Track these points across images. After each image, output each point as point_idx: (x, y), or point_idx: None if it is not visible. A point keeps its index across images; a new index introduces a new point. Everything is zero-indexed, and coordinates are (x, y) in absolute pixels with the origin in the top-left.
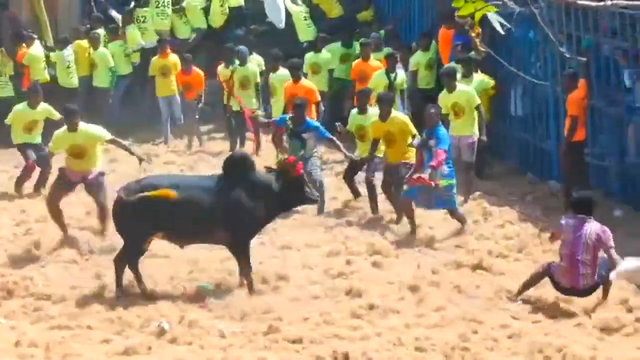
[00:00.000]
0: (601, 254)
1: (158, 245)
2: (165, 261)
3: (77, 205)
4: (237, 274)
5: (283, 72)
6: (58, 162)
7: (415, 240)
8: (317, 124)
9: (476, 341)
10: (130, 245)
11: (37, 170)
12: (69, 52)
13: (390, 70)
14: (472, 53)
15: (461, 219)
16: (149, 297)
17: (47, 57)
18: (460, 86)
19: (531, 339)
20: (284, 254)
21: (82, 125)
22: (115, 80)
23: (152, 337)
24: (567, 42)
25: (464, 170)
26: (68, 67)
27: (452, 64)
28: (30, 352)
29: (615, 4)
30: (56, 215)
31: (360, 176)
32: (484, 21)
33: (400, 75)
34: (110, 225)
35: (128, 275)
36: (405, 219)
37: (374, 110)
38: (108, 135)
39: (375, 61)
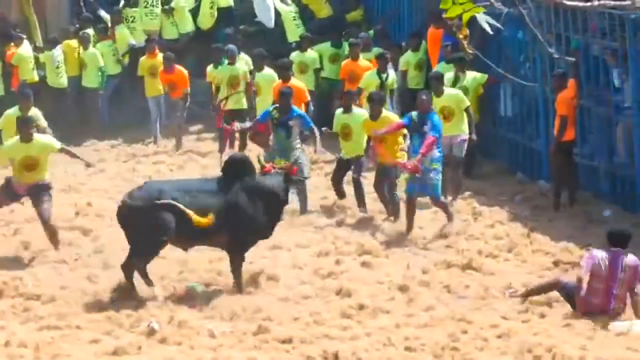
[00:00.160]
0: None
1: None
2: (155, 261)
3: (66, 206)
4: (226, 275)
5: (268, 71)
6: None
7: (406, 239)
8: (302, 112)
9: (466, 341)
10: (142, 251)
11: None
12: (58, 52)
13: (381, 70)
14: (460, 54)
15: (445, 209)
16: (161, 300)
17: (37, 57)
18: (448, 90)
19: (521, 338)
20: (274, 254)
21: (36, 136)
22: (104, 80)
23: (142, 337)
24: (556, 43)
25: (453, 167)
26: (57, 67)
27: (441, 65)
28: (20, 352)
29: (602, 4)
30: None
31: (349, 175)
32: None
33: (392, 75)
34: (59, 240)
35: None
36: (405, 219)
37: (358, 110)
38: (59, 145)
39: (365, 61)
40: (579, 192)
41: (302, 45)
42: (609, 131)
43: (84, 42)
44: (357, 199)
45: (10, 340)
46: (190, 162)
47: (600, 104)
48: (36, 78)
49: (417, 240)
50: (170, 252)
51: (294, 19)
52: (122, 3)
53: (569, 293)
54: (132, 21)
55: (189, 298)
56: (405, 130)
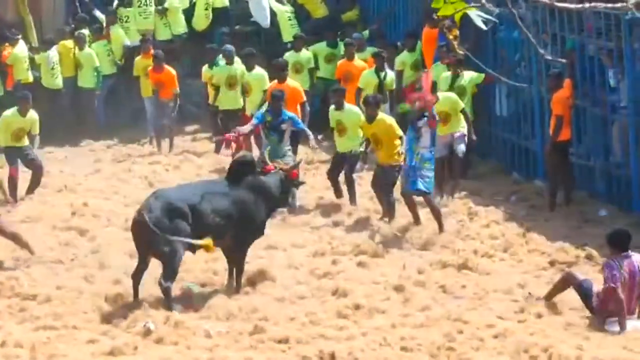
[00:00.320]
0: None
1: None
2: (152, 262)
3: (63, 206)
4: (223, 274)
5: (259, 71)
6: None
7: (403, 239)
8: (292, 114)
9: (462, 341)
10: (171, 260)
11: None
12: (53, 53)
13: (379, 68)
14: (457, 55)
15: (435, 210)
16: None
17: (32, 58)
18: (443, 94)
19: (517, 338)
20: (269, 254)
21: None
22: (100, 80)
23: (138, 338)
24: (552, 43)
25: (454, 163)
26: (52, 68)
27: (437, 66)
28: (16, 353)
29: (593, 6)
30: None
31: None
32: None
33: (390, 74)
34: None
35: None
36: (400, 219)
37: (350, 106)
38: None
39: (360, 61)
40: (574, 192)
41: (296, 45)
42: (604, 131)
43: (80, 42)
44: (349, 195)
45: (7, 340)
46: (186, 162)
47: (596, 103)
48: (30, 78)
49: (413, 240)
50: None
51: (289, 19)
52: (115, 3)
53: (586, 293)
54: (126, 21)
55: (185, 298)
56: (400, 132)
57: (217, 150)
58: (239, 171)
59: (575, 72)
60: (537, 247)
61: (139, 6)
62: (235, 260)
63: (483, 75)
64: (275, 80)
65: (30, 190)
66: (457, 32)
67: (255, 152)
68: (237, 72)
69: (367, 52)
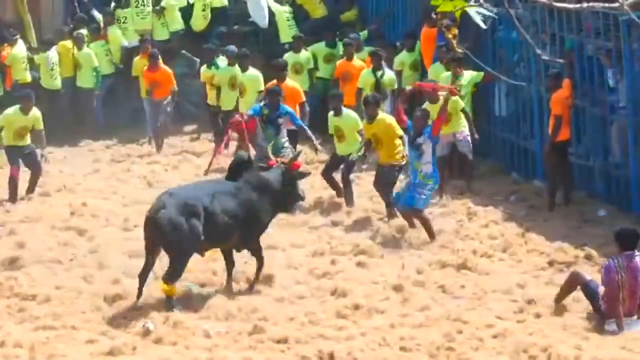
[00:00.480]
0: None
1: (143, 245)
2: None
3: (62, 206)
4: (222, 275)
5: (253, 71)
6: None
7: (402, 239)
8: (290, 110)
9: (461, 341)
10: (180, 260)
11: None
12: (53, 54)
13: (376, 68)
14: (457, 54)
15: (426, 222)
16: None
17: (31, 59)
18: (443, 94)
19: (516, 338)
20: (269, 254)
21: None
22: (99, 80)
23: (137, 338)
24: (550, 43)
25: (464, 165)
26: (52, 69)
27: (436, 65)
28: (15, 353)
29: (591, 6)
30: None
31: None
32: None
33: (388, 73)
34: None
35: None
36: (400, 219)
37: (348, 111)
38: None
39: (359, 61)
40: (573, 192)
41: (295, 45)
42: (603, 131)
43: (78, 42)
44: (345, 196)
45: (6, 340)
46: (184, 162)
47: (595, 104)
48: (29, 79)
49: (411, 240)
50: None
51: (288, 20)
52: (113, 4)
53: (592, 294)
54: (124, 22)
55: (184, 298)
56: (401, 132)
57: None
58: (239, 170)
59: (574, 72)
60: (536, 247)
61: (136, 7)
62: (255, 254)
63: (482, 74)
64: (275, 81)
65: (30, 190)
66: (455, 31)
67: (253, 153)
68: (239, 72)
69: (364, 52)
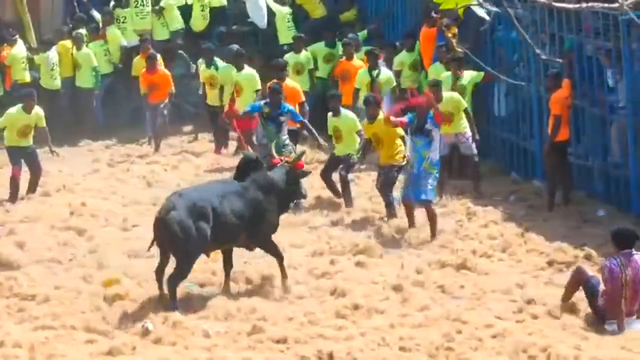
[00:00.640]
0: None
1: (142, 245)
2: (150, 261)
3: (61, 206)
4: (221, 275)
5: (249, 70)
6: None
7: (401, 239)
8: (291, 108)
9: (460, 341)
10: (187, 261)
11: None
12: (53, 54)
13: (372, 67)
14: (458, 54)
15: (434, 217)
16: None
17: (31, 59)
18: (446, 93)
19: (515, 338)
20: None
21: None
22: (99, 80)
23: (137, 338)
24: (550, 43)
25: (461, 163)
26: (52, 69)
27: (436, 66)
28: (15, 353)
29: (590, 6)
30: None
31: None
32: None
33: (385, 73)
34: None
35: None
36: (399, 219)
37: (346, 112)
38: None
39: (359, 60)
40: (573, 192)
41: (296, 45)
42: (603, 131)
43: (77, 42)
44: (343, 196)
45: (5, 340)
46: (184, 162)
47: (595, 104)
48: (28, 79)
49: (411, 240)
50: None
51: (288, 21)
52: (112, 4)
53: (592, 291)
54: (123, 21)
55: (184, 298)
56: (402, 132)
57: (218, 150)
58: (246, 171)
59: (573, 72)
60: (536, 247)
61: (135, 6)
62: (270, 252)
63: (482, 73)
64: (275, 80)
65: (31, 190)
66: (455, 30)
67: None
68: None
69: (362, 52)
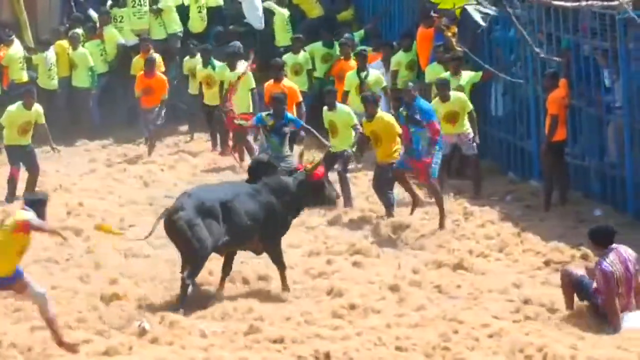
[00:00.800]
0: None
1: (138, 245)
2: (146, 261)
3: (58, 206)
4: (218, 274)
5: (241, 69)
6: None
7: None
8: (293, 117)
9: (457, 340)
10: (197, 260)
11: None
12: (51, 54)
13: (360, 68)
14: (456, 54)
15: (436, 193)
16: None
17: (29, 58)
18: (453, 93)
19: (512, 338)
20: (265, 254)
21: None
22: (95, 80)
23: (133, 338)
24: (547, 42)
25: (461, 163)
26: (50, 69)
27: (433, 66)
28: (11, 353)
29: (590, 4)
30: None
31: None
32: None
33: (373, 73)
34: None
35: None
36: (396, 218)
37: (341, 106)
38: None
39: (355, 61)
40: (569, 192)
41: (294, 46)
42: (599, 131)
43: (74, 42)
44: (342, 193)
45: (2, 340)
46: (181, 161)
47: (591, 104)
48: (25, 78)
49: (408, 240)
50: (161, 252)
51: (286, 24)
52: (109, 3)
53: (587, 292)
54: (120, 21)
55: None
56: (400, 130)
57: (220, 149)
58: (257, 173)
59: (570, 72)
60: (532, 247)
61: (133, 6)
62: (273, 258)
63: (480, 74)
64: (272, 81)
65: (29, 190)
66: (455, 29)
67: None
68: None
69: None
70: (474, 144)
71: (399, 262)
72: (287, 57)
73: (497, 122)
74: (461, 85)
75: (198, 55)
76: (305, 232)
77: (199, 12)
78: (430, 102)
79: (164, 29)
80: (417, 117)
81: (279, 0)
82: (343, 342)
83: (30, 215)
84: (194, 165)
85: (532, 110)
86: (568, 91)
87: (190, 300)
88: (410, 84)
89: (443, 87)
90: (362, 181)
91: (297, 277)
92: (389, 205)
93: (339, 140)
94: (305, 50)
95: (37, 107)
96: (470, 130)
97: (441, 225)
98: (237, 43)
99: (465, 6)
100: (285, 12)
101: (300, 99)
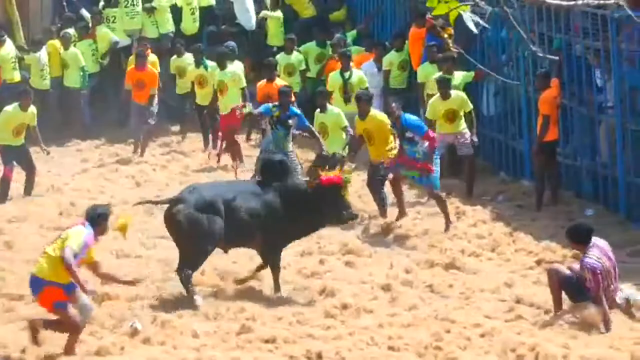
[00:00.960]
0: None
1: (130, 245)
2: (138, 261)
3: (50, 206)
4: (210, 274)
5: (233, 69)
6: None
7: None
8: (298, 111)
9: (449, 340)
10: (197, 254)
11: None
12: (44, 54)
13: (344, 69)
14: (449, 54)
15: (441, 202)
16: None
17: (21, 58)
18: (455, 92)
19: (504, 337)
20: (257, 254)
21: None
22: (87, 79)
23: (125, 338)
24: (538, 42)
25: (465, 164)
26: (42, 69)
27: (425, 66)
28: (3, 353)
29: (584, 3)
30: None
31: None
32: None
33: (356, 74)
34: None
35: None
36: (389, 218)
37: (332, 108)
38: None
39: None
40: (561, 191)
41: (287, 47)
42: (591, 131)
43: (65, 42)
44: None
45: None
46: (173, 161)
47: (583, 103)
48: (17, 78)
49: (400, 240)
50: (153, 252)
51: (281, 26)
52: (101, 3)
53: (579, 289)
54: (113, 21)
55: (171, 299)
56: (393, 129)
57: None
58: (269, 173)
59: (562, 72)
60: (524, 247)
61: (125, 6)
62: (269, 261)
63: (472, 74)
64: (265, 80)
65: (27, 191)
66: (451, 30)
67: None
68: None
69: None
70: (473, 144)
71: (391, 262)
72: (280, 58)
73: (488, 121)
74: (455, 85)
75: (186, 55)
76: None
77: (192, 14)
78: (421, 102)
79: (157, 29)
80: (409, 134)
81: (272, 3)
82: (335, 342)
83: (69, 253)
84: (186, 165)
85: (523, 110)
86: (560, 91)
87: (182, 300)
88: (393, 104)
89: (444, 85)
90: (355, 180)
91: (290, 277)
92: (382, 204)
93: (329, 142)
94: (299, 51)
95: (32, 109)
96: (466, 131)
97: (446, 229)
98: (232, 43)
99: (461, 12)
100: (279, 14)
101: (293, 99)
